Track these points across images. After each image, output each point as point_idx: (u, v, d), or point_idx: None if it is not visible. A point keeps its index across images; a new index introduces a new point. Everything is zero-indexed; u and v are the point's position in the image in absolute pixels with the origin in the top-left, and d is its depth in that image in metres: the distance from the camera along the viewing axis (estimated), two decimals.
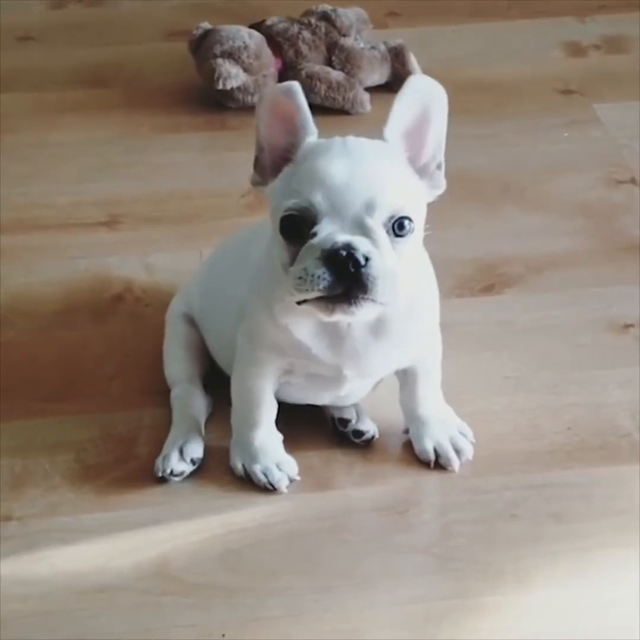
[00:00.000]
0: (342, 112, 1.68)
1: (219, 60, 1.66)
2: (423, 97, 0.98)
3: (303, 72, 1.69)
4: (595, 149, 1.59)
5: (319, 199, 0.94)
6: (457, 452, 1.14)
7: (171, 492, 1.13)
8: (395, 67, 1.72)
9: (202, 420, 1.18)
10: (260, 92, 1.01)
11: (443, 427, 1.15)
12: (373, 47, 1.73)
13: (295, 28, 1.72)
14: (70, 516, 1.10)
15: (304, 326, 1.03)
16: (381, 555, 1.06)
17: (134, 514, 1.10)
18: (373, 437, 1.16)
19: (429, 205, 1.03)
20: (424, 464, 1.14)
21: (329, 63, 1.71)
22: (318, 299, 0.95)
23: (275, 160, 1.00)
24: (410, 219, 0.96)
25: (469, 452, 1.15)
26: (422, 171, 1.00)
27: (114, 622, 1.01)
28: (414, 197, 0.98)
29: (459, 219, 1.46)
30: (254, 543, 1.08)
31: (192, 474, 1.14)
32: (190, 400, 1.18)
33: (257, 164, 1.02)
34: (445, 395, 1.17)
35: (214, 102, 1.68)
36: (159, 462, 1.13)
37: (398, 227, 0.95)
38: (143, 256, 1.42)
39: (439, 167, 1.01)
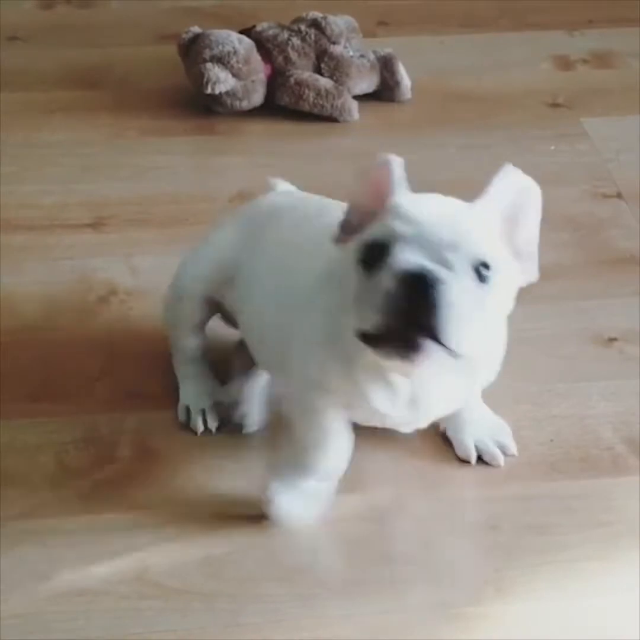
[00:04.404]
0: (330, 119, 1.68)
1: (208, 65, 1.66)
2: (517, 190, 0.97)
3: (292, 79, 1.69)
4: (582, 162, 1.60)
5: (403, 228, 0.92)
6: (500, 448, 1.15)
7: (152, 497, 1.12)
8: (383, 76, 1.72)
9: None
10: (362, 167, 1.00)
11: (482, 423, 1.16)
12: (362, 56, 1.73)
13: (285, 34, 1.72)
14: (50, 519, 1.10)
15: (379, 391, 1.00)
16: (362, 563, 1.06)
17: (115, 518, 1.10)
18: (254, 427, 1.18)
19: None
20: (405, 473, 1.14)
21: (318, 70, 1.72)
22: (383, 343, 0.91)
23: (362, 222, 0.98)
24: (493, 269, 0.93)
25: (512, 447, 1.15)
26: (515, 254, 0.98)
27: (92, 626, 1.01)
28: (501, 257, 0.95)
29: None
30: (235, 549, 1.07)
31: (172, 479, 1.13)
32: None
33: (345, 225, 0.99)
34: None
35: (202, 107, 1.68)
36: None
37: (479, 274, 0.92)
38: (128, 258, 1.42)
39: (530, 257, 0.99)
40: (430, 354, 0.90)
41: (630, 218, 1.50)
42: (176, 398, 1.22)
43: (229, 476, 1.14)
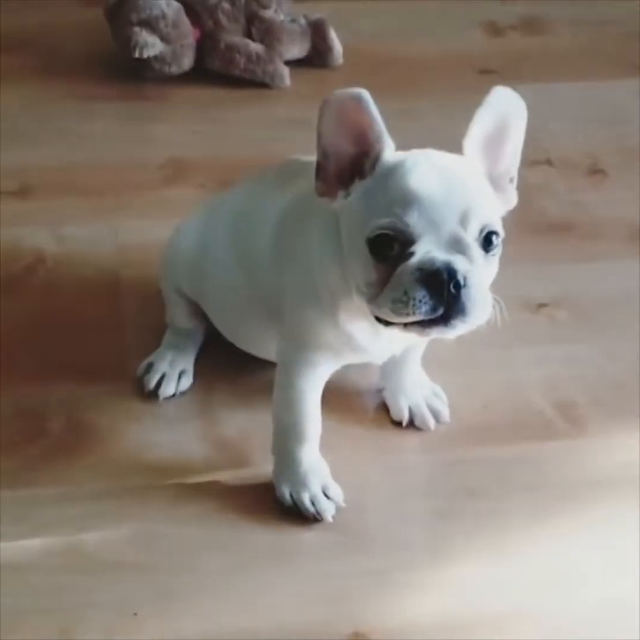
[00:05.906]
0: (262, 85, 1.66)
1: (136, 29, 1.63)
2: (503, 109, 0.96)
3: (222, 43, 1.67)
4: None
5: (414, 218, 0.91)
6: (433, 413, 1.16)
7: (84, 469, 1.11)
8: (315, 41, 1.71)
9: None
10: (326, 97, 0.92)
11: (418, 388, 1.17)
12: (293, 20, 1.71)
13: None
14: None
15: (363, 328, 1.01)
16: (296, 532, 1.06)
17: (46, 492, 1.08)
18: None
19: None
20: (340, 440, 1.14)
21: (248, 35, 1.69)
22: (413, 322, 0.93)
23: (341, 169, 0.95)
24: (497, 234, 0.94)
25: (445, 414, 1.17)
26: (494, 184, 0.98)
27: (22, 599, 0.99)
28: (496, 211, 0.96)
29: None
30: (168, 521, 1.06)
31: (104, 451, 1.12)
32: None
33: (320, 171, 0.95)
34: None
35: (130, 72, 1.65)
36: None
37: (486, 241, 0.93)
38: (55, 227, 1.39)
39: (511, 180, 0.99)
40: (456, 330, 0.94)
41: (560, 185, 1.51)
42: (106, 370, 1.20)
43: (161, 448, 1.13)
